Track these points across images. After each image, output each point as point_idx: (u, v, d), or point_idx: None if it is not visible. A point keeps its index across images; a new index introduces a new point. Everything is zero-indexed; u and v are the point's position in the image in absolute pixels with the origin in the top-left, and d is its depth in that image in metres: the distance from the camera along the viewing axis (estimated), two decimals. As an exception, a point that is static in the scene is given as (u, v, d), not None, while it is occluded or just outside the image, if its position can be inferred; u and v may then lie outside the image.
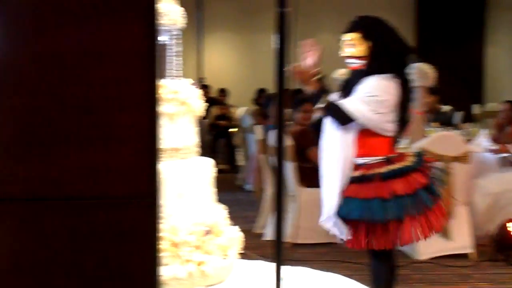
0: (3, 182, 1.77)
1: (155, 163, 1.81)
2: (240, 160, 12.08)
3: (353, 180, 4.04)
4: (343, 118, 4.00)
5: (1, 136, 1.77)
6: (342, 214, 4.01)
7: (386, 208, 3.91)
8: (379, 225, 3.93)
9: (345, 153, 4.05)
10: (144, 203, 1.81)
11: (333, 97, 4.10)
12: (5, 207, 1.77)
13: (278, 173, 2.46)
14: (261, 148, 7.39)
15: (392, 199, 3.92)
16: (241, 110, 11.86)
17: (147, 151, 1.80)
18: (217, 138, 12.55)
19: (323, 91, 4.09)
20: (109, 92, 1.78)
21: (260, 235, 7.03)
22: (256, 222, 7.42)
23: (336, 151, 4.06)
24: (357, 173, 4.05)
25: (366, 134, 4.06)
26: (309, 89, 4.10)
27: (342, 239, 4.15)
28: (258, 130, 7.49)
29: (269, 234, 6.97)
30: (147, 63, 1.79)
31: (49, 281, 1.79)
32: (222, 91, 13.10)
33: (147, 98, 1.80)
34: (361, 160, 4.07)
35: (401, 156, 4.13)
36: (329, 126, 4.11)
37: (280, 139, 2.44)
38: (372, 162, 4.05)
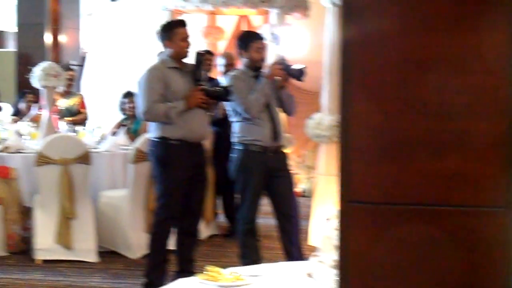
0: (361, 186, 1.80)
1: (510, 172, 1.77)
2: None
3: None
4: None
5: (358, 141, 1.81)
6: None
7: None
8: None
9: None
10: (498, 213, 1.77)
11: None
12: (364, 210, 1.81)
13: None
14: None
15: None
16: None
17: (502, 160, 1.76)
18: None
19: None
20: (467, 99, 1.76)
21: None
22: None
23: None
24: None
25: None
26: None
27: None
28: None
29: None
30: (506, 69, 1.75)
31: (406, 285, 1.80)
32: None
33: (504, 104, 1.76)
34: None
35: None
36: None
37: None
38: None
